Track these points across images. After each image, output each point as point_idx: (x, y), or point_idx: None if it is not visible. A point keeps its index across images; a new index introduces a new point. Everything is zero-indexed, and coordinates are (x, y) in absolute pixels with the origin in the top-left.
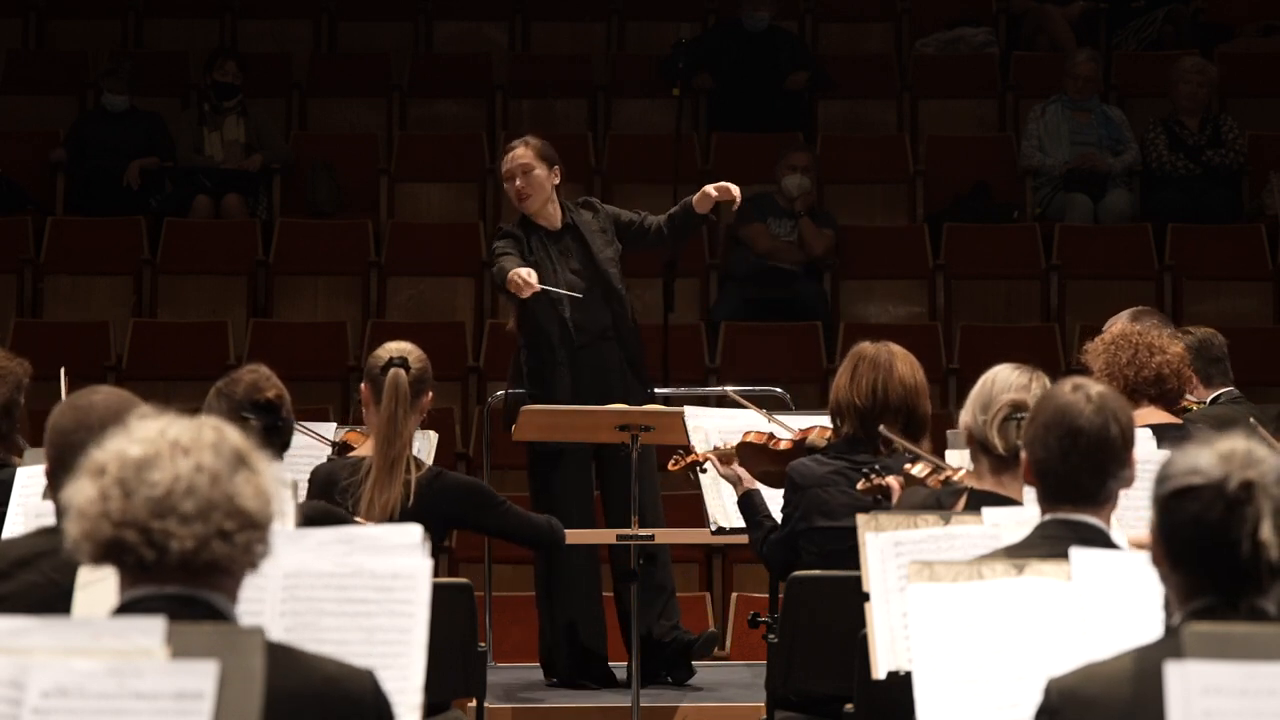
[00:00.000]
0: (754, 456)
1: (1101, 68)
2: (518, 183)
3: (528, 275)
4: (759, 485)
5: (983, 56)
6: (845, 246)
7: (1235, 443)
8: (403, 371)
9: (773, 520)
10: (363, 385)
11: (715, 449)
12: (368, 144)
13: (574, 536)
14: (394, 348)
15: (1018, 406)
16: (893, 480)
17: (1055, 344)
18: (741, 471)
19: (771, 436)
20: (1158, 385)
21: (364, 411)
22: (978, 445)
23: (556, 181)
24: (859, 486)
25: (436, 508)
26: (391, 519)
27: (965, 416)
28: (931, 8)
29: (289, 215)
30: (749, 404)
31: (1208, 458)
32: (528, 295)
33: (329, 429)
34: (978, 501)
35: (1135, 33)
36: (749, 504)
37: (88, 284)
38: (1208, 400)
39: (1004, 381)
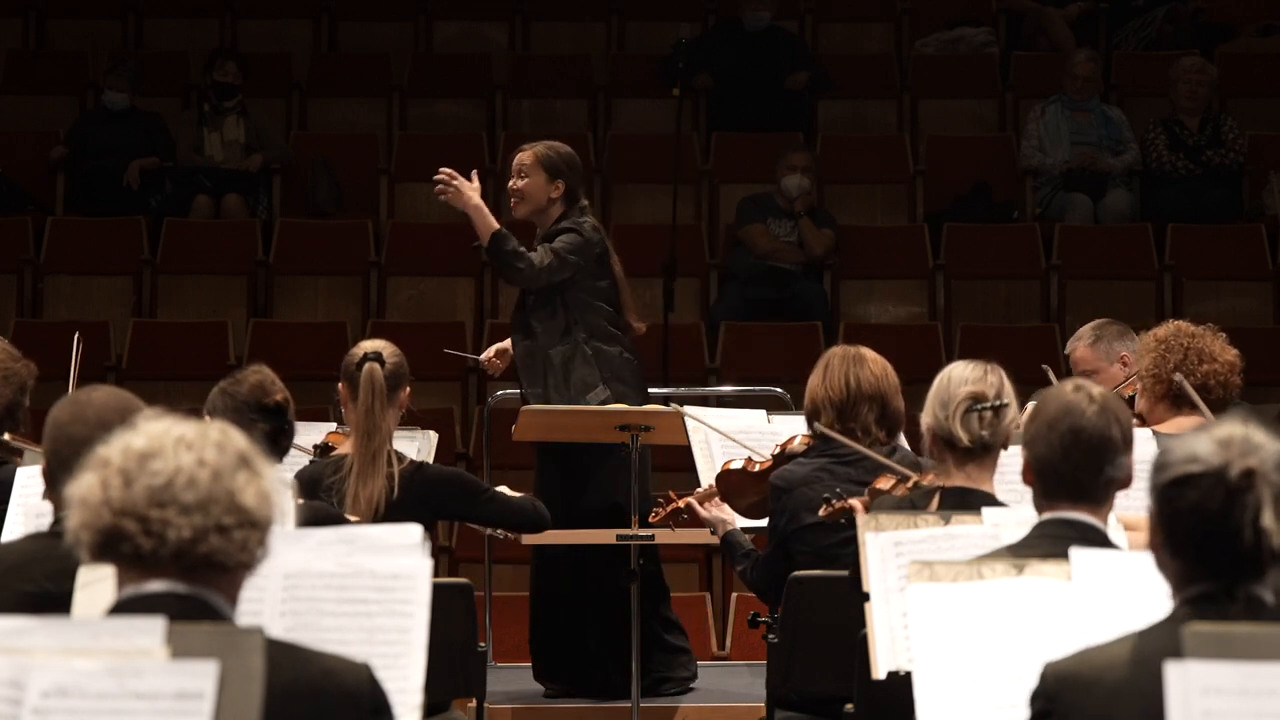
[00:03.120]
0: (738, 484)
1: (1101, 68)
2: (510, 183)
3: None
4: (739, 522)
5: (983, 56)
6: (845, 246)
7: (1233, 429)
8: (377, 366)
9: (755, 550)
10: (340, 384)
11: (695, 492)
12: (368, 144)
13: (574, 537)
14: (368, 345)
15: (977, 398)
16: (855, 501)
17: (1055, 344)
18: (722, 514)
19: (749, 460)
20: (1202, 394)
21: (343, 410)
22: (942, 443)
23: (555, 195)
24: (820, 513)
25: (421, 499)
26: (377, 513)
27: (926, 418)
28: (931, 8)
29: (289, 215)
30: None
31: (1206, 445)
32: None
33: (328, 429)
34: (951, 499)
35: (1135, 32)
36: (731, 542)
37: (88, 284)
38: None
39: (959, 376)
